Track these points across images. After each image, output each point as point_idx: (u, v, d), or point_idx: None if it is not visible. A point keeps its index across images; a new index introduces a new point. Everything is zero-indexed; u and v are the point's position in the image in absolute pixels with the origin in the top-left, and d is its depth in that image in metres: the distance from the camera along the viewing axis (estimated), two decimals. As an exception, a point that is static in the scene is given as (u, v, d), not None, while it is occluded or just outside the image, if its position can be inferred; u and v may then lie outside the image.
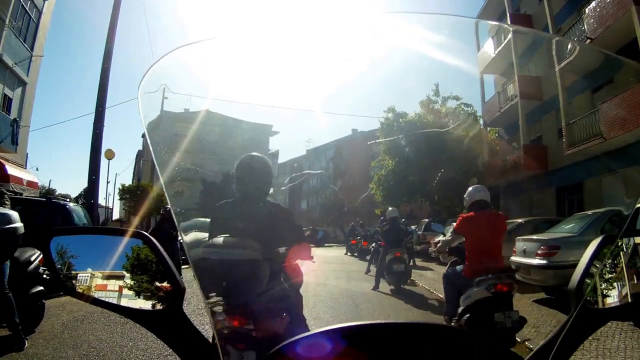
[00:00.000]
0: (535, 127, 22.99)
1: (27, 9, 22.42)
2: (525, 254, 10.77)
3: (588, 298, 1.30)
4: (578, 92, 21.51)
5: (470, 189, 5.86)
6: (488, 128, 28.32)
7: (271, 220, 2.96)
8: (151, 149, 1.40)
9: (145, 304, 1.35)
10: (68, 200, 19.85)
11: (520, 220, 13.86)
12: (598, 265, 1.37)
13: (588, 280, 1.32)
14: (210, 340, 1.23)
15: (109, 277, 1.36)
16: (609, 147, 17.56)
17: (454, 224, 5.90)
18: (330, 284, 7.85)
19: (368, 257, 13.47)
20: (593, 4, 18.75)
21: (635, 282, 1.42)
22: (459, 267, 5.69)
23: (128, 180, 77.54)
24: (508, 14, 27.52)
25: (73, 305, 9.68)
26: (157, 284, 1.36)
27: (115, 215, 53.78)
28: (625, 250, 1.44)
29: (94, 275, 1.37)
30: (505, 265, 5.91)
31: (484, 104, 27.59)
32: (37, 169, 27.92)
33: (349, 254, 17.54)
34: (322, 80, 1.52)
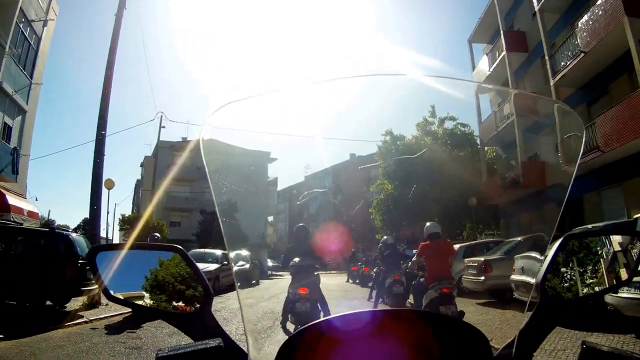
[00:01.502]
0: (532, 144, 23.15)
1: (27, 36, 22.48)
2: (523, 271, 10.98)
3: (550, 292, 1.42)
4: (574, 106, 21.73)
5: (427, 224, 8.19)
6: (486, 147, 28.49)
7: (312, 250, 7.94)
8: (211, 185, 1.49)
9: (180, 309, 1.49)
10: (70, 230, 19.77)
11: (519, 239, 14.04)
12: (560, 262, 1.50)
13: (550, 275, 1.44)
14: (235, 339, 1.34)
15: (146, 287, 1.49)
16: (607, 159, 17.72)
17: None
18: (332, 311, 7.88)
19: (370, 284, 13.44)
20: (585, 17, 18.83)
21: (592, 275, 1.54)
22: (422, 279, 7.99)
23: (127, 210, 77.33)
24: (502, 31, 27.82)
25: (77, 337, 9.68)
26: (189, 290, 1.50)
27: (116, 246, 53.39)
28: (582, 250, 1.56)
29: (133, 284, 1.51)
30: (449, 275, 7.96)
31: (481, 123, 27.81)
32: (36, 199, 27.77)
33: (350, 280, 17.43)
34: (320, 106, 1.61)
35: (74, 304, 13.53)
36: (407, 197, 17.12)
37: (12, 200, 19.79)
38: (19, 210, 20.17)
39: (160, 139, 35.82)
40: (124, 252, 1.58)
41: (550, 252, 1.46)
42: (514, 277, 11.40)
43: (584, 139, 1.57)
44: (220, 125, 1.43)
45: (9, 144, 21.32)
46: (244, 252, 22.94)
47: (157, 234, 14.43)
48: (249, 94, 1.34)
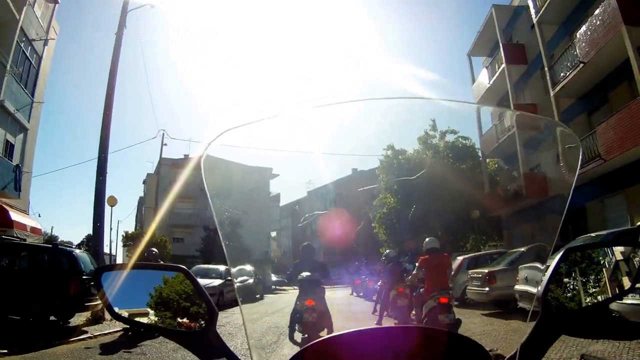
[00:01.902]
0: (533, 156, 23.18)
1: (28, 55, 22.57)
2: (527, 281, 11.01)
3: (553, 303, 1.42)
4: (574, 116, 21.77)
5: (426, 239, 8.83)
6: (487, 159, 28.53)
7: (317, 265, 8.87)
8: (211, 204, 1.54)
9: (182, 326, 1.50)
10: (74, 246, 19.75)
11: (522, 249, 14.03)
12: (562, 275, 1.50)
13: (553, 286, 1.45)
14: (240, 356, 1.36)
15: (150, 304, 1.50)
16: (609, 168, 17.72)
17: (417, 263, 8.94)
18: (337, 325, 8.07)
19: (374, 298, 13.47)
20: (584, 27, 18.83)
21: (594, 285, 1.55)
22: (421, 290, 8.67)
23: (130, 227, 77.45)
24: (501, 44, 27.88)
25: (81, 352, 9.66)
26: (193, 307, 1.50)
27: (119, 262, 53.45)
28: (584, 260, 1.57)
29: (138, 302, 1.53)
30: (447, 286, 8.35)
31: (482, 136, 27.84)
32: (39, 215, 27.75)
33: (354, 294, 17.40)
34: (321, 126, 1.62)
35: (78, 319, 13.52)
36: (409, 212, 17.16)
37: (15, 216, 19.77)
38: (22, 227, 20.16)
39: (162, 156, 35.92)
40: (128, 271, 1.61)
41: (552, 264, 1.45)
42: (518, 287, 11.40)
43: (580, 157, 1.60)
44: (222, 147, 1.45)
45: (12, 161, 21.37)
46: (248, 268, 22.96)
47: (155, 250, 14.38)
48: (250, 119, 1.36)
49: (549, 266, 1.46)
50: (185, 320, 1.50)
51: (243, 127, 1.40)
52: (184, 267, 1.53)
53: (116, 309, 1.50)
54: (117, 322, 12.52)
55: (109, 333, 12.10)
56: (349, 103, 1.51)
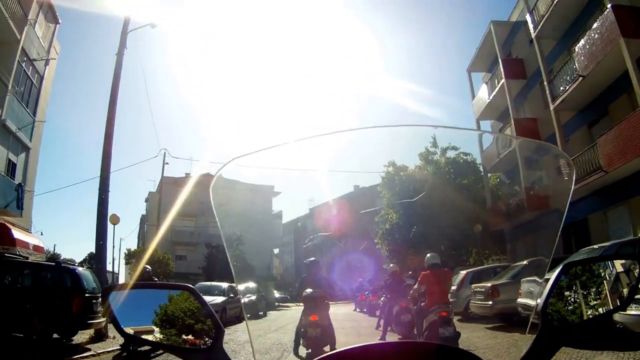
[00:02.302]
0: (534, 171, 23.17)
1: (29, 74, 22.76)
2: (530, 294, 11.05)
3: (553, 317, 1.44)
4: (575, 129, 21.83)
5: (427, 255, 8.99)
6: (489, 174, 28.56)
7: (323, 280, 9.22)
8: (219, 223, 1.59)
9: (187, 343, 1.52)
10: (76, 264, 19.76)
11: (524, 262, 14.07)
12: (563, 288, 1.52)
13: (554, 300, 1.47)
14: None
15: (156, 322, 1.53)
16: (611, 179, 17.73)
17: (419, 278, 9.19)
18: (340, 341, 8.14)
19: (378, 313, 13.46)
20: (582, 41, 18.93)
21: (593, 302, 1.56)
22: (422, 304, 8.67)
23: (133, 244, 77.51)
24: (500, 59, 28.00)
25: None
26: (198, 324, 1.52)
27: (122, 279, 53.28)
28: (585, 273, 1.59)
29: (144, 320, 1.55)
30: (447, 300, 8.58)
31: (483, 151, 27.90)
32: (41, 234, 27.85)
33: (357, 309, 17.36)
34: (324, 146, 1.65)
35: (81, 337, 13.48)
36: (411, 228, 17.16)
37: (17, 234, 19.79)
38: (25, 245, 20.17)
39: (164, 174, 36.05)
40: (135, 290, 1.65)
41: (552, 277, 1.47)
42: (521, 300, 11.46)
43: (574, 177, 1.65)
44: (227, 169, 1.49)
45: (14, 180, 21.44)
46: (251, 284, 22.93)
47: (148, 267, 14.34)
48: (249, 138, 1.39)
49: (548, 279, 1.48)
50: (190, 337, 1.52)
51: (248, 157, 1.44)
52: (190, 285, 1.56)
53: (122, 326, 1.52)
54: (120, 339, 12.57)
55: (112, 351, 12.07)
56: (351, 131, 1.55)
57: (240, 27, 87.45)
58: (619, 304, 1.58)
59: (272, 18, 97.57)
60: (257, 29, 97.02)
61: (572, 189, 1.55)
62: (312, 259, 9.92)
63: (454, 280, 15.61)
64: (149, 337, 1.54)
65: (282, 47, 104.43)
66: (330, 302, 9.19)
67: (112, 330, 13.01)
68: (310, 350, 8.14)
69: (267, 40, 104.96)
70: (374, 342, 1.27)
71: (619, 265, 1.65)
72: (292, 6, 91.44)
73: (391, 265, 12.91)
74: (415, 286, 9.30)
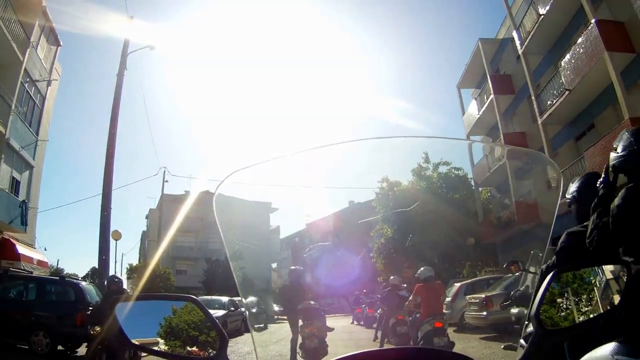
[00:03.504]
0: (524, 184, 23.45)
1: (32, 95, 23.08)
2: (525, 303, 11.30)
3: (546, 321, 1.49)
4: (562, 142, 22.04)
5: (422, 269, 9.29)
6: (480, 188, 28.81)
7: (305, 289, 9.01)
8: (223, 238, 1.71)
9: (194, 353, 1.61)
10: (80, 279, 19.87)
11: (517, 273, 14.24)
12: (554, 293, 1.58)
13: (547, 306, 1.53)
14: None
15: (160, 333, 1.61)
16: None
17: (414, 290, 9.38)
18: (339, 352, 8.25)
19: (375, 325, 13.60)
20: (568, 56, 19.17)
21: (587, 304, 1.64)
22: (418, 315, 9.10)
23: (134, 259, 77.40)
24: (488, 76, 28.41)
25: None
26: (202, 335, 1.60)
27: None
28: (574, 280, 1.66)
29: (149, 332, 1.62)
30: (441, 311, 9.14)
31: (474, 166, 28.19)
32: (45, 249, 27.99)
33: (355, 322, 17.44)
34: (319, 160, 1.84)
35: (85, 349, 13.68)
36: (406, 241, 17.35)
37: (22, 249, 20.08)
38: (29, 260, 20.39)
39: (164, 192, 36.32)
40: (140, 302, 1.77)
41: (543, 285, 1.50)
42: (514, 310, 11.63)
43: (561, 184, 1.88)
44: (227, 185, 1.59)
45: (18, 197, 21.64)
46: (252, 298, 23.01)
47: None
48: (247, 155, 1.59)
49: (539, 287, 1.51)
50: (194, 348, 1.59)
51: (249, 170, 1.53)
52: (193, 297, 1.62)
53: (131, 339, 1.59)
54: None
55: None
56: (347, 143, 1.63)
57: (237, 45, 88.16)
58: (609, 309, 1.64)
59: (268, 38, 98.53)
60: (255, 47, 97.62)
61: (560, 196, 1.69)
62: (295, 267, 10.05)
63: (449, 292, 15.80)
64: (155, 349, 1.60)
65: (278, 65, 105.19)
66: (327, 315, 9.28)
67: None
68: None
69: (264, 59, 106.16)
70: (377, 349, 1.42)
71: (608, 272, 1.72)
72: (289, 27, 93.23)
73: (392, 277, 12.90)
74: (411, 298, 9.61)
